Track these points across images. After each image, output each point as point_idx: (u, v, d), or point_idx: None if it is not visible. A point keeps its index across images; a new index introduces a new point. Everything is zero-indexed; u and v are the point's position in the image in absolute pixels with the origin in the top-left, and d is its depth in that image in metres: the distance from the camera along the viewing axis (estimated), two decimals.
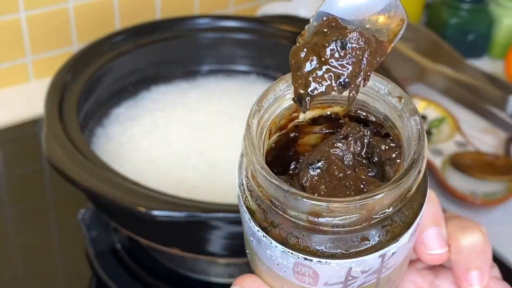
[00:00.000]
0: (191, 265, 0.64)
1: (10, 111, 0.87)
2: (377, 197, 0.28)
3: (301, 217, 0.29)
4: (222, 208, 0.51)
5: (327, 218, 0.29)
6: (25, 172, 0.78)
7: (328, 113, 0.35)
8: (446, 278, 0.38)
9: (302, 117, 0.34)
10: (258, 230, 0.31)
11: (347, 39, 0.31)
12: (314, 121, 0.35)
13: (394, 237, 0.30)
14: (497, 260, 0.70)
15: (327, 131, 0.35)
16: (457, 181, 0.77)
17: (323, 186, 0.31)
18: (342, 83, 0.31)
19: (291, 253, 0.30)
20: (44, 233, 0.70)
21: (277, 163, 0.35)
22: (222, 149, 0.65)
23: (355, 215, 0.29)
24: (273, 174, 0.29)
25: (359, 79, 0.31)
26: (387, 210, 0.29)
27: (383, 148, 0.32)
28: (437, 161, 0.78)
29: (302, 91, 0.31)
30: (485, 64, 0.99)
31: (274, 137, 0.35)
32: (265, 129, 0.33)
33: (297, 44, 0.33)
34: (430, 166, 0.78)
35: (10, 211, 0.72)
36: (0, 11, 0.85)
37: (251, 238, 0.33)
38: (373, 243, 0.30)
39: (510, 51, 0.97)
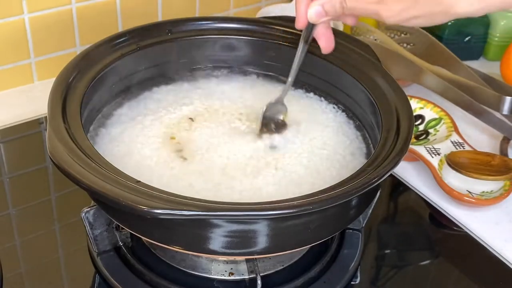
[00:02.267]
0: (193, 263, 0.64)
1: (14, 112, 0.88)
2: None
3: None
4: (224, 207, 0.51)
5: None
6: (29, 171, 0.78)
7: None
8: None
9: None
10: None
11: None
12: None
13: None
14: (493, 258, 0.71)
15: None
16: (454, 180, 0.78)
17: None
18: None
19: None
20: (48, 231, 0.70)
21: None
22: (223, 148, 0.66)
23: None
24: None
25: None
26: None
27: None
28: (434, 161, 0.79)
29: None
30: (481, 65, 1.00)
31: None
32: None
33: None
34: (427, 166, 0.79)
35: (14, 210, 0.73)
36: (4, 13, 0.86)
37: None
38: None
39: (506, 53, 0.98)
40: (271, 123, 0.69)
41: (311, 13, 0.62)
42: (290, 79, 0.68)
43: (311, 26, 0.65)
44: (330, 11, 0.61)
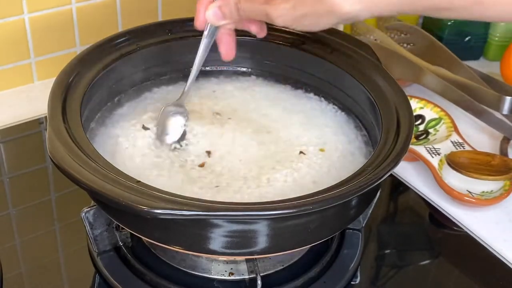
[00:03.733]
0: (193, 263, 0.64)
1: (15, 112, 0.88)
2: None
3: None
4: (224, 207, 0.51)
5: None
6: (29, 171, 0.78)
7: None
8: None
9: None
10: None
11: None
12: None
13: None
14: (493, 258, 0.71)
15: None
16: (454, 180, 0.78)
17: None
18: None
19: None
20: (48, 231, 0.71)
21: None
22: (222, 148, 0.66)
23: None
24: None
25: None
26: None
27: None
28: (434, 161, 0.79)
29: None
30: (481, 65, 1.00)
31: None
32: None
33: None
34: (427, 166, 0.79)
35: (14, 210, 0.73)
36: (4, 13, 0.86)
37: None
38: None
39: (505, 53, 0.98)
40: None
41: (209, 14, 0.62)
42: (190, 81, 0.67)
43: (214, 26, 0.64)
44: (227, 14, 0.61)
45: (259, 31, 0.65)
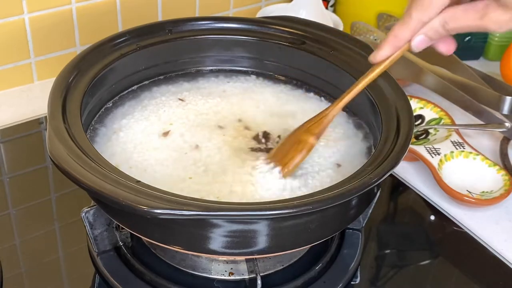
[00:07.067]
0: (193, 263, 0.64)
1: (15, 111, 0.88)
2: None
3: None
4: (224, 207, 0.51)
5: None
6: (29, 171, 0.78)
7: None
8: None
9: None
10: None
11: None
12: None
13: None
14: (493, 258, 0.71)
15: None
16: (454, 180, 0.78)
17: None
18: None
19: None
20: (48, 231, 0.71)
21: None
22: (223, 149, 0.66)
23: None
24: None
25: None
26: None
27: None
28: (434, 161, 0.79)
29: None
30: (481, 65, 1.00)
31: None
32: None
33: None
34: (427, 166, 0.79)
35: (14, 209, 0.73)
36: (4, 13, 0.86)
37: None
38: None
39: (505, 53, 0.98)
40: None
41: (415, 43, 0.60)
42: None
43: None
44: (434, 36, 0.59)
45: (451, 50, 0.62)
